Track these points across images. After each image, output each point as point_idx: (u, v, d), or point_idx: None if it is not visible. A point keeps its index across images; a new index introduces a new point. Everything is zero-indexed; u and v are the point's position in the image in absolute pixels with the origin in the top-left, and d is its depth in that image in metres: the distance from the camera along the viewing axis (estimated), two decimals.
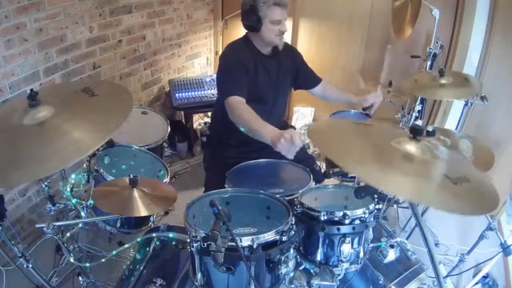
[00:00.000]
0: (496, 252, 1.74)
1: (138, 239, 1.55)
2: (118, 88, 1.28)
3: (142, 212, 1.37)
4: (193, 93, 3.24)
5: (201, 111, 3.52)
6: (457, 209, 0.91)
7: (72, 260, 1.51)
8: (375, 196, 1.27)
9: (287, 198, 1.39)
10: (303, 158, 1.89)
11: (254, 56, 1.88)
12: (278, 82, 1.96)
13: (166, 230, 1.53)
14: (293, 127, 2.37)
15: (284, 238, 1.13)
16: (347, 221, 1.24)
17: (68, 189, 1.71)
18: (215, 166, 2.05)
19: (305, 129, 3.58)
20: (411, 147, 1.03)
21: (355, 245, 1.27)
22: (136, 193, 1.41)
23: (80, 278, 1.72)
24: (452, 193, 0.91)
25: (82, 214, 1.67)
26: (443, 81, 1.86)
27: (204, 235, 1.05)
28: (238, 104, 1.69)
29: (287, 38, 3.67)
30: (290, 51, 2.05)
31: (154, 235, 1.53)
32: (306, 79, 2.11)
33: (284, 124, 2.17)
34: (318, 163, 2.10)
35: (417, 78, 2.05)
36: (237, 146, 1.98)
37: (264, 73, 1.90)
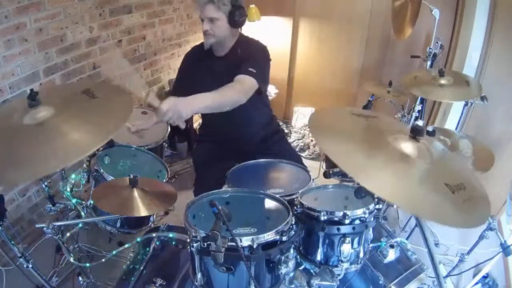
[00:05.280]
0: (496, 252, 1.74)
1: (138, 239, 1.55)
2: (119, 91, 1.28)
3: (142, 212, 1.37)
4: None
5: None
6: (455, 223, 0.90)
7: (72, 260, 1.51)
8: (375, 196, 1.27)
9: (287, 198, 1.39)
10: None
11: (202, 56, 1.88)
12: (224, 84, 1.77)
13: (166, 230, 1.53)
14: (286, 133, 2.33)
15: (284, 238, 1.12)
16: (347, 221, 1.24)
17: (68, 189, 1.71)
18: (204, 165, 2.04)
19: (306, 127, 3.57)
20: (408, 147, 1.01)
21: (355, 245, 1.27)
22: (136, 193, 1.41)
23: (80, 278, 1.72)
24: (451, 203, 0.89)
25: (82, 214, 1.67)
26: (442, 81, 1.86)
27: (204, 235, 1.05)
28: None
29: (287, 38, 3.68)
30: (248, 49, 1.85)
31: (154, 235, 1.53)
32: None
33: (271, 127, 2.13)
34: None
35: (417, 75, 2.04)
36: (214, 142, 2.06)
37: (206, 73, 1.88)
